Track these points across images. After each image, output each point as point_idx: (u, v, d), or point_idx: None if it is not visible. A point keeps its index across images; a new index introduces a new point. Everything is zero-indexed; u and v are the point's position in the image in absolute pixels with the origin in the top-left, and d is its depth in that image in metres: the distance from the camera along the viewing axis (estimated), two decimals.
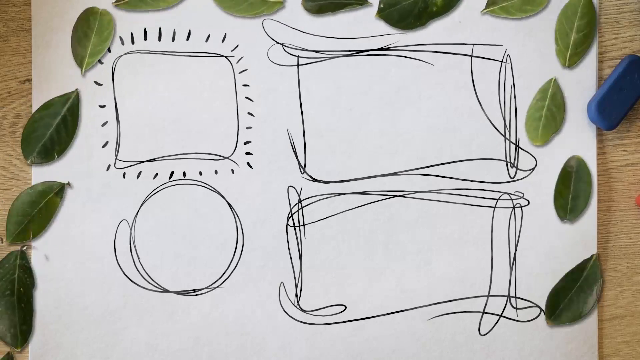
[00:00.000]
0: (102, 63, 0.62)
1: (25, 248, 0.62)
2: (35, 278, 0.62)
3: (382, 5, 0.62)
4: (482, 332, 0.63)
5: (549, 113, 0.62)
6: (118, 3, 0.61)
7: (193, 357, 0.62)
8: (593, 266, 0.62)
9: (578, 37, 0.62)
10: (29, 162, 0.61)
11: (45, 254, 0.61)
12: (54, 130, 0.61)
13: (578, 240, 0.63)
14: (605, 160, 0.63)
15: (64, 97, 0.61)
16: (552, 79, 0.62)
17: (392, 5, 0.62)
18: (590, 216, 0.63)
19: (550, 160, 0.63)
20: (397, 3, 0.62)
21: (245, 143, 0.62)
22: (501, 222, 0.63)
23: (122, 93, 0.62)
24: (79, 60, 0.61)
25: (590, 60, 0.62)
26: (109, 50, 0.62)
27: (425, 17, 0.62)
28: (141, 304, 0.62)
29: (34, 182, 0.62)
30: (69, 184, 0.62)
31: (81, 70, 0.61)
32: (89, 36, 0.61)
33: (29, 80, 0.62)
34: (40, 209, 0.61)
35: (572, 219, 0.62)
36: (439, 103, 0.63)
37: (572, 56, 0.62)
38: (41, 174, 0.62)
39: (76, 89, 0.61)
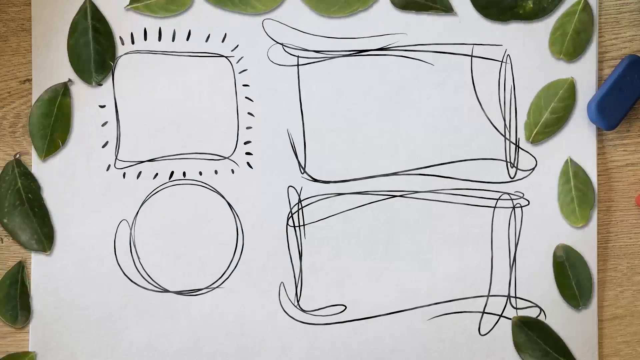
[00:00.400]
0: None
1: (18, 156, 0.62)
2: (38, 180, 0.62)
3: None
4: (482, 332, 0.63)
5: (579, 193, 0.62)
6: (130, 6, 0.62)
7: (193, 357, 0.62)
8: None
9: (551, 118, 0.62)
10: (94, 84, 0.61)
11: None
12: (93, 43, 0.61)
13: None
14: (605, 160, 0.63)
15: (82, 7, 0.61)
16: (567, 159, 0.62)
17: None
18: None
19: (550, 161, 0.63)
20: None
21: (245, 143, 0.62)
22: (501, 222, 0.63)
23: (122, 93, 0.62)
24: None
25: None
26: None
27: (508, 15, 0.62)
28: (141, 304, 0.62)
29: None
30: (70, 80, 0.62)
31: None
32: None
33: (29, 80, 0.62)
34: (56, 116, 0.61)
35: (585, 304, 0.62)
36: (439, 103, 0.63)
37: (538, 134, 0.62)
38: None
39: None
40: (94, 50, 0.61)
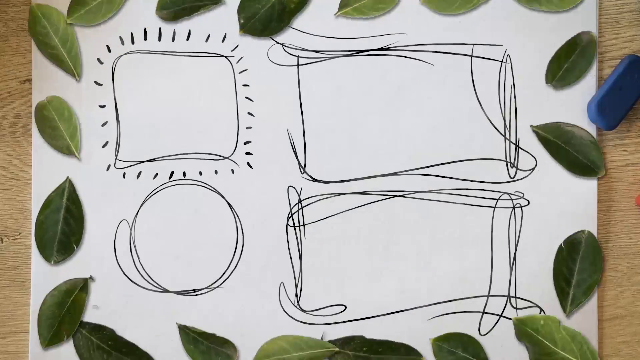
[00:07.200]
0: (102, 63, 0.62)
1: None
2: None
3: (242, 21, 0.61)
4: (482, 332, 0.63)
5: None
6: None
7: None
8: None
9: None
10: (52, 263, 0.61)
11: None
12: (62, 223, 0.61)
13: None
14: (605, 160, 0.63)
15: (60, 189, 0.61)
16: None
17: (252, 17, 0.61)
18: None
19: (549, 159, 0.63)
20: (255, 14, 0.61)
21: (245, 143, 0.62)
22: (501, 222, 0.63)
23: (122, 93, 0.62)
24: (66, 150, 0.61)
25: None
26: (110, 50, 0.62)
27: (287, 17, 0.62)
28: (141, 304, 0.62)
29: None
30: (91, 277, 0.62)
31: (77, 155, 0.61)
32: (57, 127, 0.61)
33: (29, 80, 0.63)
34: (68, 309, 0.61)
35: (557, 87, 0.62)
36: (439, 103, 0.63)
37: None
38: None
39: (67, 177, 0.61)
40: (61, 230, 0.61)
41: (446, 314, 0.63)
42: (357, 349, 0.62)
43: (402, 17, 0.62)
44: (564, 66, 0.62)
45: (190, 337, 0.62)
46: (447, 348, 0.62)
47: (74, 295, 0.61)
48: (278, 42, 0.62)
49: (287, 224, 0.62)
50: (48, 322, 0.61)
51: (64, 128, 0.61)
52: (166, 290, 0.62)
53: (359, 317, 0.63)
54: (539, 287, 0.63)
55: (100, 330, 0.61)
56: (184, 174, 0.62)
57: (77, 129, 0.61)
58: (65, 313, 0.61)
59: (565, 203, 0.63)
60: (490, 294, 0.63)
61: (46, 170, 0.62)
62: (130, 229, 0.62)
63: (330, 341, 0.62)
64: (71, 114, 0.61)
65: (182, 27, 0.62)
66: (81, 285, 0.61)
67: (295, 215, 0.62)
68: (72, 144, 0.61)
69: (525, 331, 0.62)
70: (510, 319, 0.63)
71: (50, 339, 0.61)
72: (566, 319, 0.62)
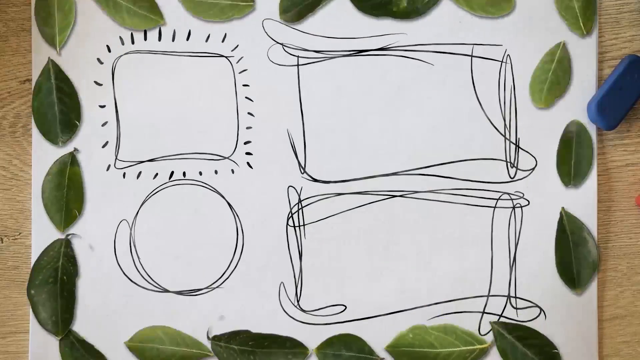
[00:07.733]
0: (102, 63, 0.62)
1: (70, 237, 0.62)
2: (78, 267, 0.62)
3: None
4: (482, 332, 0.63)
5: (554, 77, 0.62)
6: None
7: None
8: None
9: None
10: (60, 144, 0.61)
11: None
12: (58, 103, 0.61)
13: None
14: (605, 160, 0.63)
15: (45, 72, 0.61)
16: (561, 42, 0.62)
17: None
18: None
19: (549, 160, 0.63)
20: None
21: (245, 143, 0.62)
22: (501, 222, 0.63)
23: (122, 93, 0.62)
24: (50, 39, 0.61)
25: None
26: (110, 50, 0.62)
27: (382, 12, 0.62)
28: (141, 304, 0.62)
29: (34, 178, 0.62)
30: (75, 149, 0.61)
31: (57, 50, 0.61)
32: (53, 15, 0.61)
33: (29, 80, 0.63)
34: (68, 187, 0.61)
35: (576, 184, 0.62)
36: (439, 103, 0.63)
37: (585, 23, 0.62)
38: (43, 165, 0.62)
39: (48, 58, 0.61)
40: (59, 110, 0.61)
41: (446, 314, 0.63)
42: (243, 343, 0.62)
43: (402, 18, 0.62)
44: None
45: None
46: (331, 353, 0.62)
47: (68, 172, 0.61)
48: (278, 42, 0.62)
49: (287, 224, 0.62)
50: (56, 207, 0.61)
51: (58, 19, 0.61)
52: (166, 290, 0.62)
53: (359, 317, 0.63)
54: (539, 287, 0.63)
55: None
56: (184, 174, 0.62)
57: (70, 26, 0.61)
58: (67, 191, 0.61)
59: (565, 203, 0.63)
60: (490, 294, 0.63)
61: (46, 169, 0.62)
62: (130, 229, 0.62)
63: (216, 336, 0.62)
64: (71, 9, 0.61)
65: (182, 27, 0.62)
66: (70, 159, 0.61)
67: (295, 215, 0.62)
68: (58, 38, 0.61)
69: (401, 352, 0.62)
70: (511, 319, 0.63)
71: (65, 222, 0.61)
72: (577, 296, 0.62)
